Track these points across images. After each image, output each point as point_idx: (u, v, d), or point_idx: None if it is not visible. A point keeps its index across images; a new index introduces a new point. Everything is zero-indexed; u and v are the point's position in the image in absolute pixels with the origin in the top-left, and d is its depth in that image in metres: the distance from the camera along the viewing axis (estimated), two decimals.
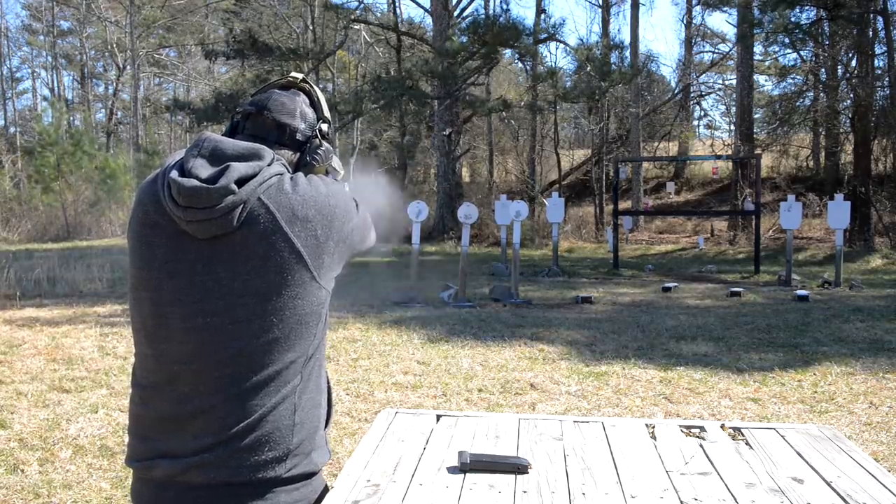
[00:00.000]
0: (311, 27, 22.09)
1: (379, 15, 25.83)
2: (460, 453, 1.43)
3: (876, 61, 16.41)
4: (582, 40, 20.48)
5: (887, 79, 16.02)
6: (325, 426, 1.41)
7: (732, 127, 25.41)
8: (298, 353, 1.32)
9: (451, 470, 1.40)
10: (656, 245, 17.63)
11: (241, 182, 1.28)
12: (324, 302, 1.36)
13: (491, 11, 20.22)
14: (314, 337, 1.34)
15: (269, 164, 1.32)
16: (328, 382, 1.44)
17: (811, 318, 7.58)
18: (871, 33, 15.98)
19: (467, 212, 9.41)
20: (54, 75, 35.46)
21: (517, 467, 1.41)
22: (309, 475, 1.33)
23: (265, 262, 1.27)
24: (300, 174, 1.37)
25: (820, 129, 19.91)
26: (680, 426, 1.69)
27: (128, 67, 29.25)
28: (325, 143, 1.45)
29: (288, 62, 18.58)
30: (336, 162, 1.51)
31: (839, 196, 10.63)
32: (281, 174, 1.34)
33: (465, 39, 16.42)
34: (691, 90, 26.15)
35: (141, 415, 1.35)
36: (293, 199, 1.31)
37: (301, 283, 1.30)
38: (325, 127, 1.47)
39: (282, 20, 23.94)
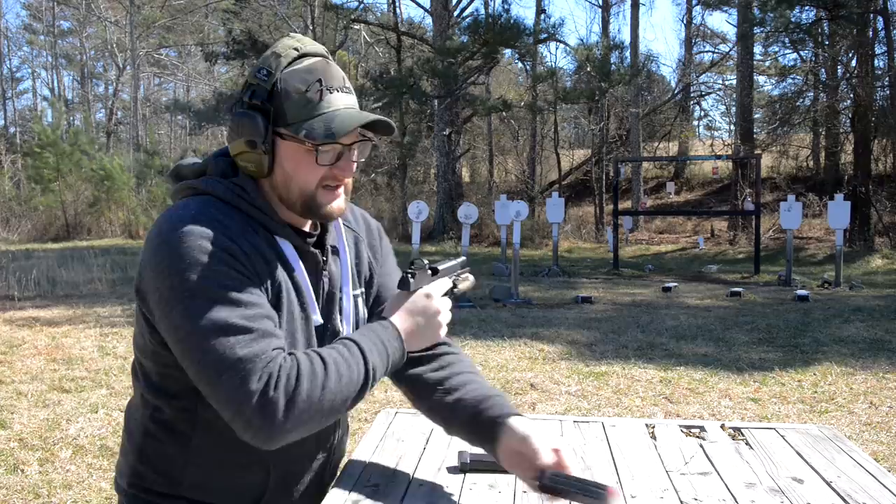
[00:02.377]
0: (311, 27, 22.10)
1: (379, 15, 25.85)
2: (460, 453, 1.43)
3: (876, 61, 16.43)
4: (582, 40, 20.52)
5: (887, 79, 16.03)
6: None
7: (732, 127, 25.44)
8: (151, 386, 1.24)
9: (451, 470, 1.40)
10: (656, 245, 17.63)
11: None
12: (155, 357, 1.20)
13: (491, 11, 20.23)
14: (165, 395, 1.21)
15: (194, 179, 1.26)
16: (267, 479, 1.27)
17: (811, 318, 7.58)
18: (871, 33, 15.98)
19: (467, 212, 9.42)
20: (54, 75, 35.51)
21: (597, 493, 1.41)
22: None
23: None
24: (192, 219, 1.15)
25: (820, 129, 19.92)
26: (680, 426, 1.69)
27: (128, 67, 29.27)
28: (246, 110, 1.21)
29: None
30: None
31: (839, 196, 10.64)
32: (193, 193, 1.23)
33: (465, 39, 16.43)
34: (691, 90, 26.15)
35: None
36: (156, 233, 1.17)
37: (143, 318, 1.21)
38: (247, 97, 1.20)
39: (282, 20, 23.94)
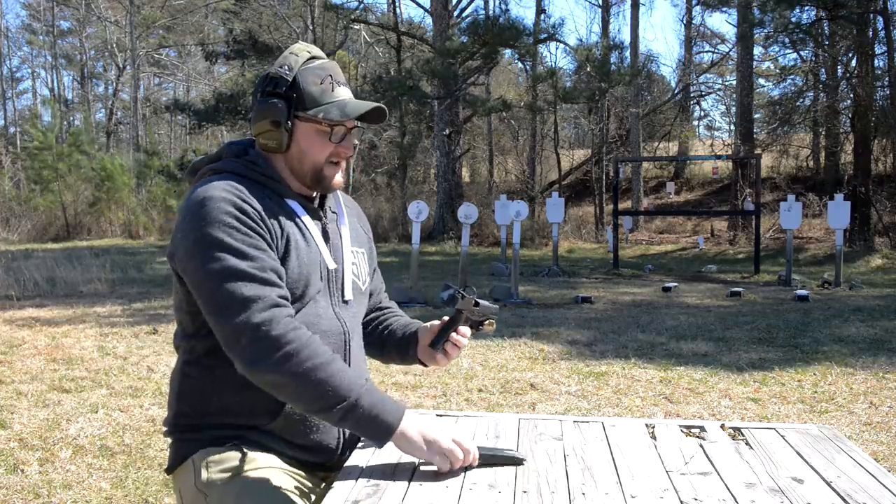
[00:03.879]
0: (311, 27, 22.09)
1: (379, 15, 25.84)
2: None
3: (876, 61, 16.42)
4: (582, 40, 20.52)
5: (887, 79, 16.02)
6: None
7: (732, 127, 25.44)
8: (186, 335, 1.52)
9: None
10: (656, 245, 17.63)
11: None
12: (186, 307, 1.48)
13: (491, 11, 20.22)
14: (195, 337, 1.49)
15: (217, 161, 1.55)
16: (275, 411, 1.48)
17: (811, 318, 7.58)
18: (871, 33, 15.98)
19: (467, 212, 9.42)
20: (54, 75, 35.50)
21: (514, 459, 1.42)
22: (191, 447, 1.51)
23: None
24: (212, 190, 1.43)
25: (820, 129, 19.92)
26: (680, 426, 1.69)
27: (128, 67, 29.27)
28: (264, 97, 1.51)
29: None
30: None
31: (839, 196, 10.63)
32: (213, 174, 1.51)
33: (465, 39, 16.42)
34: (691, 90, 26.15)
35: None
36: (184, 203, 1.47)
37: (176, 277, 1.48)
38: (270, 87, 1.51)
39: (282, 20, 23.93)
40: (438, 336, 1.59)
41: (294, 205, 1.53)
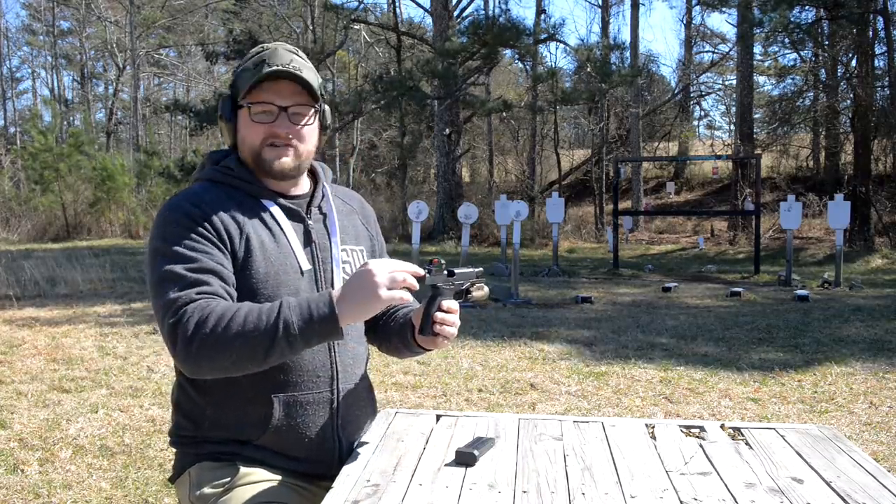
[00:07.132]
0: (311, 27, 22.09)
1: (379, 15, 25.84)
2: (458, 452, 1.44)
3: (876, 61, 16.42)
4: (582, 40, 20.52)
5: (887, 79, 16.03)
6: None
7: (732, 127, 25.44)
8: None
9: (451, 470, 1.40)
10: (656, 245, 17.63)
11: None
12: None
13: (491, 12, 20.23)
14: None
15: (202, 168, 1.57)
16: (268, 420, 1.47)
17: (811, 318, 7.58)
18: (871, 33, 15.98)
19: (467, 212, 9.42)
20: (54, 75, 35.48)
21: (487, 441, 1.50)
22: (185, 463, 1.53)
23: None
24: (182, 198, 1.48)
25: (820, 129, 19.92)
26: (680, 426, 1.69)
27: (128, 67, 29.25)
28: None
29: None
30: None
31: (839, 196, 10.63)
32: (195, 182, 1.55)
33: (465, 39, 16.41)
34: (691, 90, 26.14)
35: None
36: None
37: None
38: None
39: (282, 20, 23.92)
40: (423, 320, 1.47)
41: (269, 204, 1.50)
